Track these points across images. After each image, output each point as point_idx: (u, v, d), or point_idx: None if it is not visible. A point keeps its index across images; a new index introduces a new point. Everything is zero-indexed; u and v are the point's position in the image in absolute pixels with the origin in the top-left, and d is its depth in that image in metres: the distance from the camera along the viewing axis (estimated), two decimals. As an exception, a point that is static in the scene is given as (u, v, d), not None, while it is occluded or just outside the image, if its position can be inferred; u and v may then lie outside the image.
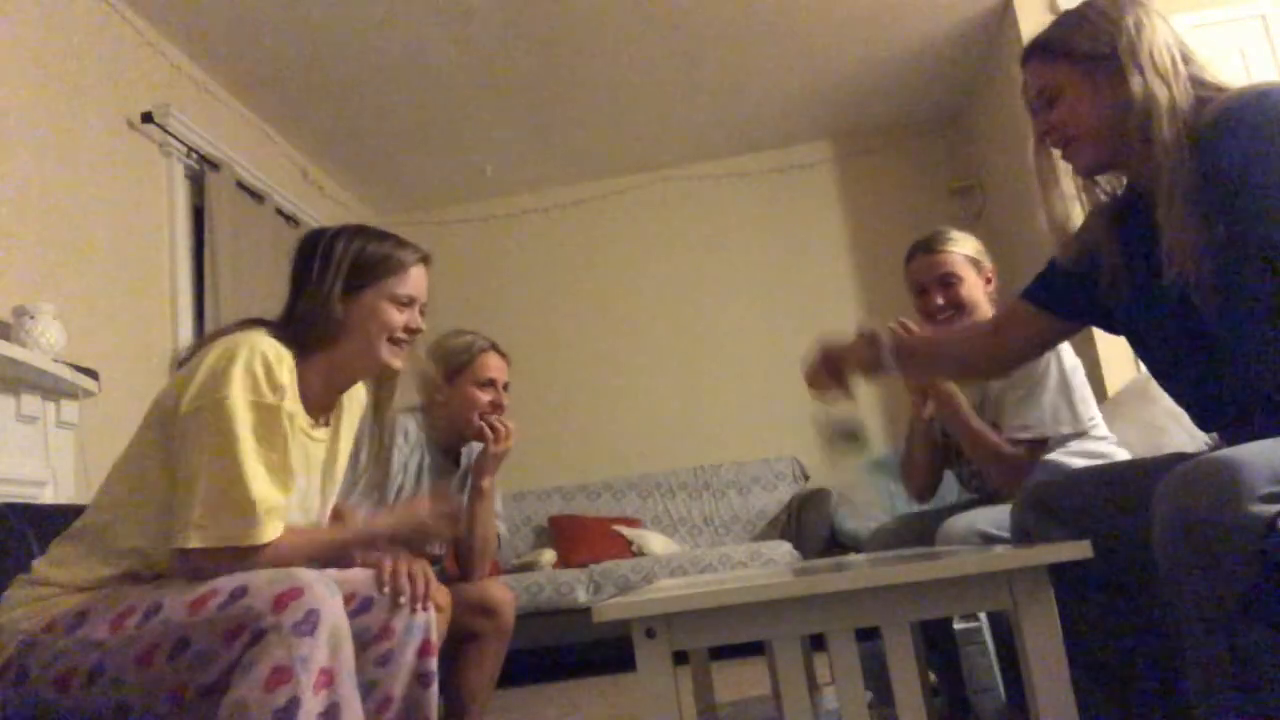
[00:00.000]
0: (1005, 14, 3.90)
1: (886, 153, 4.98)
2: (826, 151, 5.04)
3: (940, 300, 1.95)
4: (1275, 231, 1.11)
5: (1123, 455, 1.93)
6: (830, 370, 1.67)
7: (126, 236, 3.13)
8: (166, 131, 3.34)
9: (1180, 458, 1.24)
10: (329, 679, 1.14)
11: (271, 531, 1.26)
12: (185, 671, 1.17)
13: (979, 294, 1.97)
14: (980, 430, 1.88)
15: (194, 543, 1.21)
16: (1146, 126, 1.23)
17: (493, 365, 2.16)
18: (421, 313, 1.53)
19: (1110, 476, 1.44)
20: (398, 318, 1.48)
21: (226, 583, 1.18)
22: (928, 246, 2.00)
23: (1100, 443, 1.92)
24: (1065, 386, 1.84)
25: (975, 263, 1.99)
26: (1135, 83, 1.24)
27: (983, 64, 4.34)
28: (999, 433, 1.87)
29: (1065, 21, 1.34)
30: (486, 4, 3.50)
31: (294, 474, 1.37)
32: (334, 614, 1.16)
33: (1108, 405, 2.84)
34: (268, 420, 1.29)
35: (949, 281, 1.95)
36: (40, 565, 1.33)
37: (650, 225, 5.09)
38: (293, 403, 1.35)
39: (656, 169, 5.10)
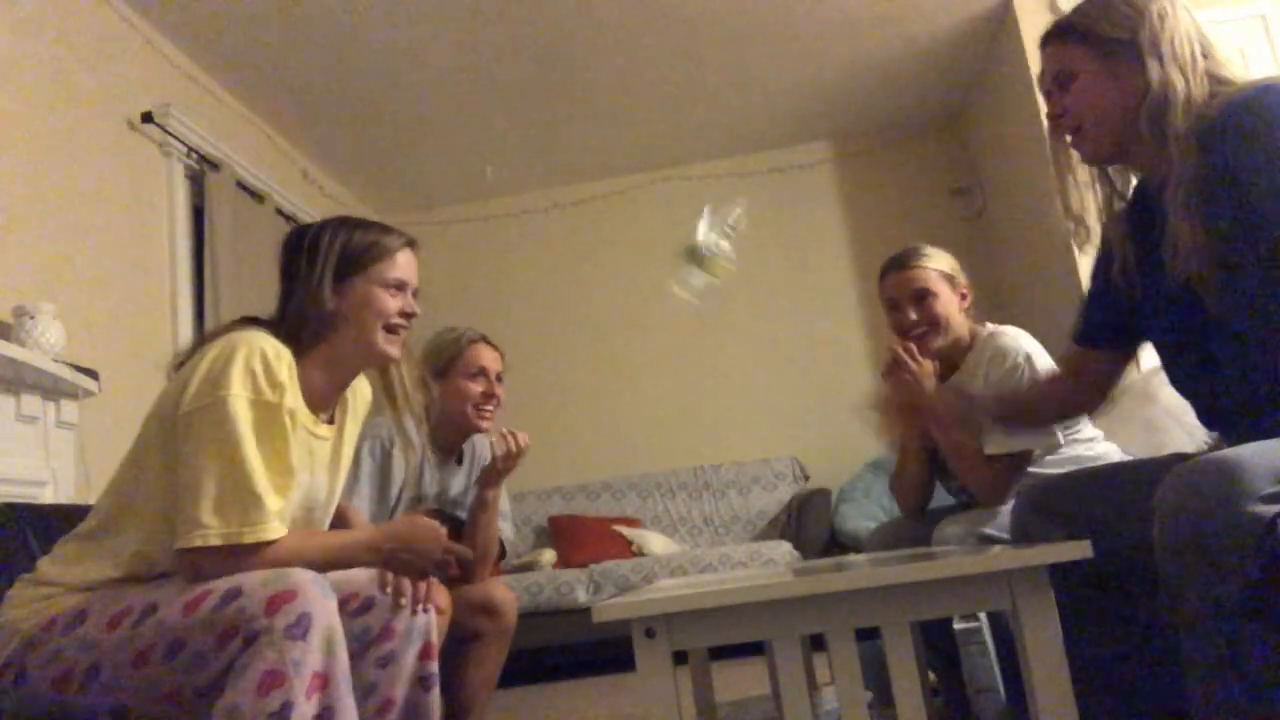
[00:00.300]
0: (1005, 14, 3.90)
1: (886, 153, 4.98)
2: (826, 151, 5.04)
3: (914, 316, 1.94)
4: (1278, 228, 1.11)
5: (1113, 451, 1.93)
6: (904, 414, 1.80)
7: (126, 236, 3.13)
8: (166, 131, 3.34)
9: (1180, 458, 1.24)
10: (323, 683, 1.14)
11: (275, 530, 1.25)
12: (181, 673, 1.16)
13: (953, 310, 1.96)
14: (965, 446, 1.88)
15: (198, 542, 1.20)
16: (1159, 116, 1.22)
17: (483, 355, 2.16)
18: (414, 297, 1.53)
19: (1110, 476, 1.45)
20: (391, 303, 1.47)
21: (221, 584, 1.18)
22: (901, 262, 1.99)
23: (1089, 445, 1.92)
24: None
25: (949, 279, 1.98)
26: (1153, 71, 1.24)
27: (983, 64, 4.33)
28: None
29: (1089, 6, 1.34)
30: (487, 4, 3.50)
31: (296, 472, 1.36)
32: (327, 617, 1.15)
33: (1107, 405, 2.83)
34: (268, 418, 1.29)
35: (922, 297, 1.94)
36: (44, 564, 1.32)
37: (650, 225, 5.09)
38: (293, 400, 1.35)
39: (656, 169, 5.10)
